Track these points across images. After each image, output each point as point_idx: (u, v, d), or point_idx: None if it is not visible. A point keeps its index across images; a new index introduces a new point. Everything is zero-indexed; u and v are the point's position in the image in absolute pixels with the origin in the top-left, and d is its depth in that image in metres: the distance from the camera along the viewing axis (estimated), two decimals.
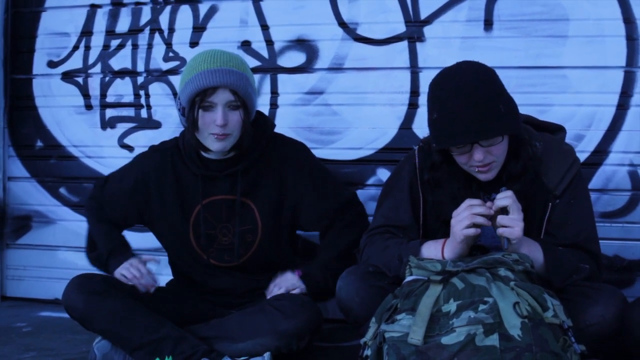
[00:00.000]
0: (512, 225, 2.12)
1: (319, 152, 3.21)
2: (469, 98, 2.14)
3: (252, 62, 3.31)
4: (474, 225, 2.17)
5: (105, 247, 2.66)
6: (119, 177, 2.79)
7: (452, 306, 1.92)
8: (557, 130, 2.51)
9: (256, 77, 3.25)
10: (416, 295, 2.00)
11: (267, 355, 2.34)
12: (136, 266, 2.56)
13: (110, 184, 2.80)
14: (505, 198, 2.14)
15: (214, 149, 2.52)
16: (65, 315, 2.56)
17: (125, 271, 2.55)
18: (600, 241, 2.42)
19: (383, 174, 3.18)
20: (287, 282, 2.57)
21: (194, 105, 2.47)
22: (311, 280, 2.58)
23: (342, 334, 2.93)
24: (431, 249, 2.25)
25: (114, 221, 2.76)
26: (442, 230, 2.32)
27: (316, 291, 2.58)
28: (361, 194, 3.18)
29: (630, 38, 2.95)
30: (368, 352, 2.02)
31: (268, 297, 2.55)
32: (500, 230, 2.14)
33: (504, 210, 2.14)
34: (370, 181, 3.23)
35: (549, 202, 2.32)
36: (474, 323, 1.86)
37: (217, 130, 2.46)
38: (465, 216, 2.16)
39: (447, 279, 2.00)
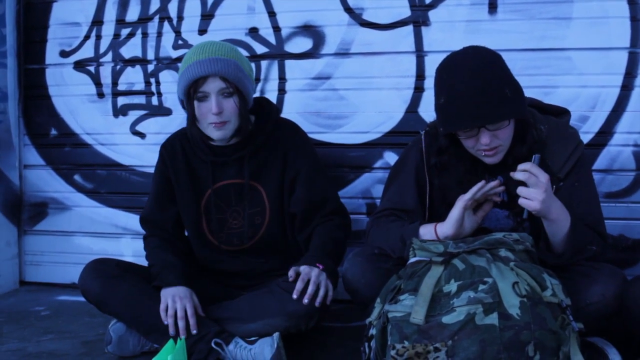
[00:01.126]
0: (530, 197, 2.16)
1: (327, 137, 3.30)
2: (475, 83, 2.17)
3: (260, 49, 3.35)
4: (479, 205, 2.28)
5: (163, 263, 2.63)
6: (153, 181, 2.85)
7: (452, 286, 1.98)
8: (562, 113, 2.53)
9: (264, 63, 3.35)
10: (419, 276, 2.06)
11: (276, 335, 2.39)
12: (184, 303, 2.46)
13: (149, 197, 2.85)
14: (520, 172, 2.18)
15: (215, 137, 2.59)
16: (82, 299, 2.63)
17: (170, 301, 2.46)
18: (605, 221, 2.44)
19: (390, 157, 3.21)
20: (319, 279, 2.47)
21: (190, 98, 2.55)
22: (330, 272, 2.56)
23: (349, 314, 2.99)
24: (427, 229, 2.32)
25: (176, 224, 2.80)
26: (447, 213, 2.35)
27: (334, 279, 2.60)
28: (368, 177, 3.27)
29: (634, 19, 2.95)
30: (373, 331, 2.08)
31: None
32: (519, 201, 2.18)
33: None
34: (378, 164, 3.26)
35: (553, 185, 2.34)
36: (474, 302, 1.92)
37: (214, 119, 2.52)
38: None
39: (448, 260, 2.05)
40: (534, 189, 2.15)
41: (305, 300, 2.41)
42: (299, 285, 2.43)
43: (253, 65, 2.81)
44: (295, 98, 3.33)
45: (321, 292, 2.44)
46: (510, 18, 3.07)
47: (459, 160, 2.38)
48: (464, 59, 2.23)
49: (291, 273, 2.49)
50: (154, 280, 2.58)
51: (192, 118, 2.58)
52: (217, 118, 2.52)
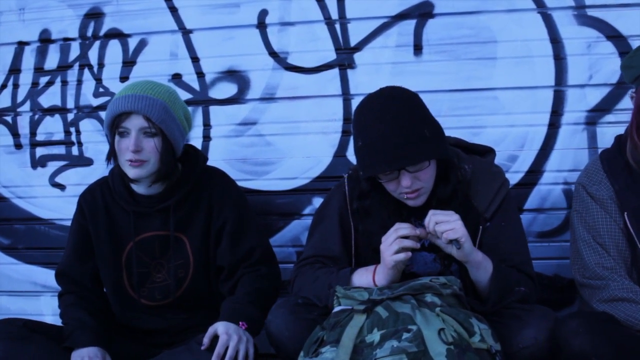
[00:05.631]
0: (450, 227, 2.10)
1: (254, 184, 3.23)
2: (392, 124, 2.13)
3: (184, 95, 3.26)
4: (404, 249, 2.15)
5: (76, 323, 2.51)
6: (70, 233, 2.73)
7: (375, 336, 1.90)
8: (486, 152, 2.53)
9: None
10: (342, 327, 1.98)
11: None
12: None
13: (66, 250, 2.73)
14: (429, 217, 2.14)
15: (130, 175, 2.48)
16: None
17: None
18: (539, 261, 2.45)
19: (319, 202, 3.04)
20: (241, 343, 2.34)
21: (113, 132, 2.47)
22: (255, 325, 2.45)
23: None
24: (362, 277, 2.23)
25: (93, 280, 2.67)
26: (373, 259, 2.28)
27: (259, 330, 2.49)
28: (298, 224, 3.21)
29: (557, 57, 2.98)
30: None
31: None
32: (445, 235, 2.11)
33: None
34: (307, 211, 3.20)
35: (479, 225, 2.32)
36: (398, 352, 1.84)
37: (130, 156, 2.43)
38: (393, 241, 2.14)
39: (371, 308, 1.98)
40: (445, 219, 2.10)
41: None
42: None
43: None
44: (220, 145, 3.27)
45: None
46: (436, 59, 3.07)
47: (382, 205, 2.32)
48: (379, 100, 2.19)
49: (205, 341, 2.33)
50: (66, 340, 2.43)
51: (111, 153, 2.50)
52: (133, 156, 2.43)
